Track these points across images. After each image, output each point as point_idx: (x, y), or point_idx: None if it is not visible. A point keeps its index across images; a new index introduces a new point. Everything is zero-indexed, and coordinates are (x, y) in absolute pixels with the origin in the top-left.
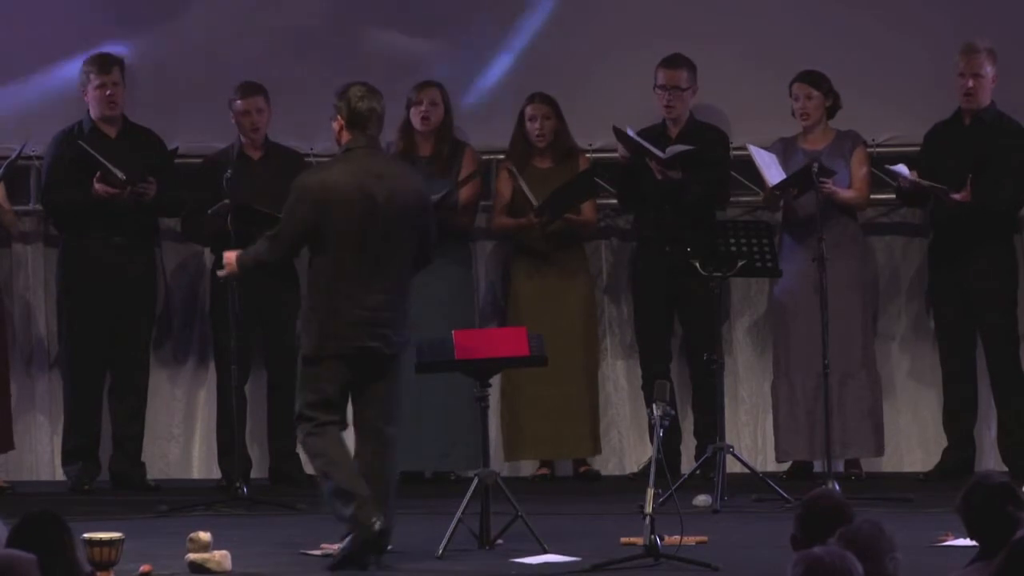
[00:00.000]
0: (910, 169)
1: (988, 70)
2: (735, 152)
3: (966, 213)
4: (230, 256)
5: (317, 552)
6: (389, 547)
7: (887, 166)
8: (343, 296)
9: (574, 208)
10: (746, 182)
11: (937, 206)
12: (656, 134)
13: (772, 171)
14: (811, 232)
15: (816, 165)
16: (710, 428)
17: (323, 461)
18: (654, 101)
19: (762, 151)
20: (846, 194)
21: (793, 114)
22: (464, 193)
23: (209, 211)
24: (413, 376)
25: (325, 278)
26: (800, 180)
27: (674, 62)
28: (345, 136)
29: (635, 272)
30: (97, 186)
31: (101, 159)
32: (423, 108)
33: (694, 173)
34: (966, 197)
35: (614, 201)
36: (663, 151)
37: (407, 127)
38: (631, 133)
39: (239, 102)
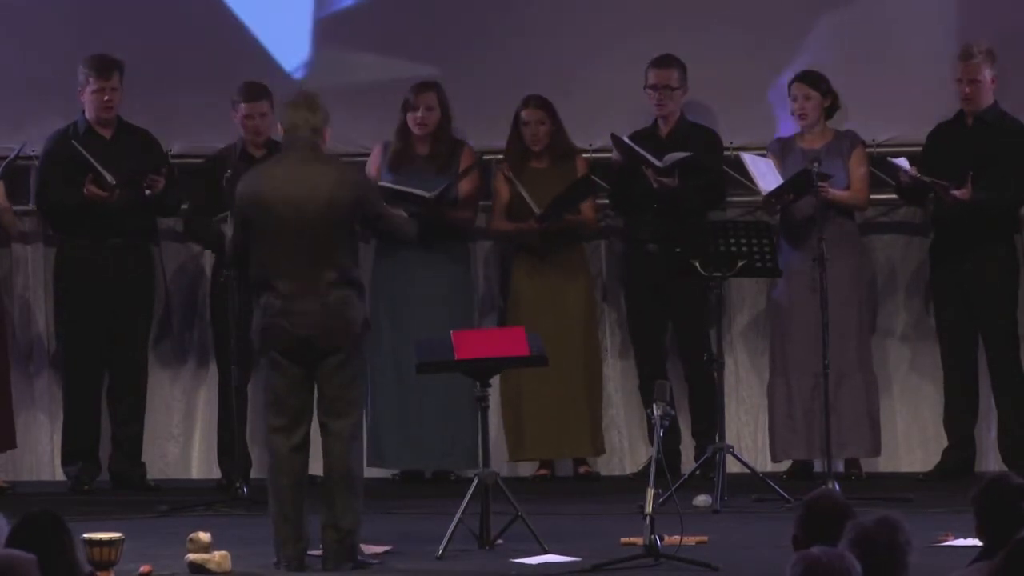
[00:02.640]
0: (910, 165)
1: (986, 74)
2: (733, 152)
3: (967, 213)
4: None
5: (317, 552)
6: (373, 555)
7: (889, 158)
8: (275, 293)
9: (573, 211)
10: (745, 182)
11: (937, 205)
12: (647, 135)
13: (767, 178)
14: (808, 233)
15: (816, 165)
16: (709, 428)
17: (268, 484)
18: (648, 101)
19: (756, 159)
20: (843, 196)
21: (792, 114)
22: (464, 187)
23: (213, 219)
24: (414, 375)
25: (259, 277)
26: (795, 185)
27: (664, 62)
28: None
29: (625, 273)
30: (87, 188)
31: (92, 161)
32: (419, 114)
33: (689, 178)
34: (965, 195)
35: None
36: (657, 156)
37: (404, 129)
38: (629, 142)
39: (242, 105)
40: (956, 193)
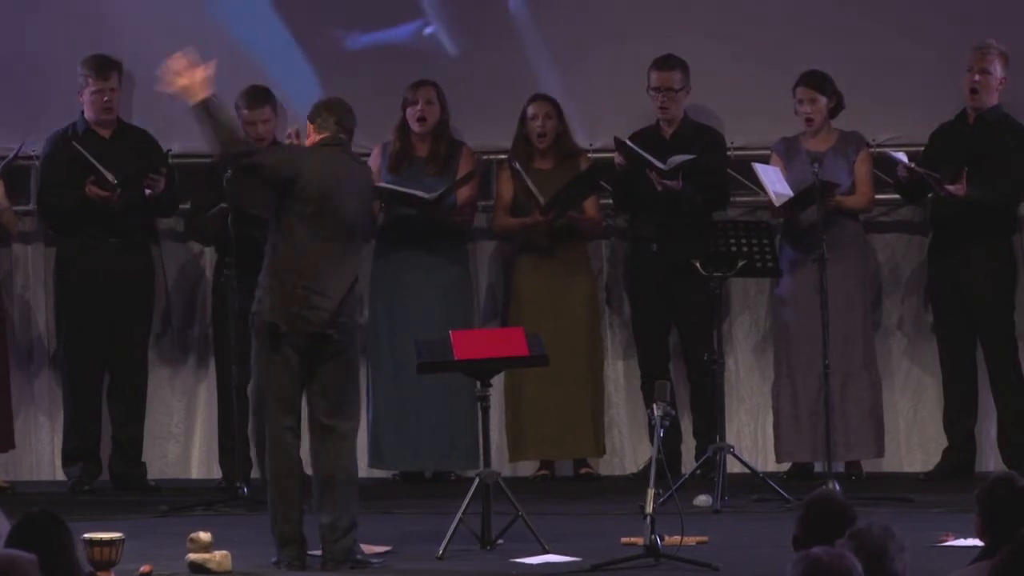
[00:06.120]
0: (909, 160)
1: (997, 69)
2: (736, 152)
3: (965, 212)
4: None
5: (317, 552)
6: (360, 557)
7: (889, 151)
8: (305, 282)
9: (577, 206)
10: (746, 182)
11: (936, 205)
12: (650, 136)
13: (777, 187)
14: (812, 232)
15: (817, 166)
16: (710, 428)
17: (270, 489)
18: (650, 101)
19: (767, 168)
20: (851, 201)
21: (796, 114)
22: (462, 193)
23: (208, 214)
24: (413, 376)
25: (289, 258)
26: (806, 199)
27: (667, 63)
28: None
29: (628, 272)
30: (89, 189)
31: (94, 162)
32: (419, 108)
33: (693, 179)
34: (960, 190)
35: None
36: (661, 158)
37: (403, 127)
38: (632, 145)
39: (245, 111)
40: (950, 188)
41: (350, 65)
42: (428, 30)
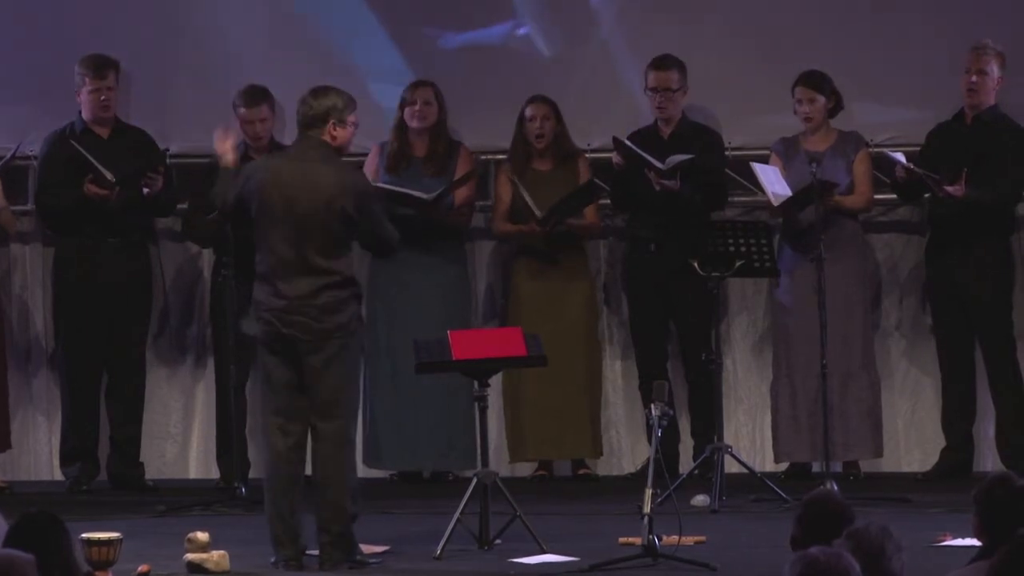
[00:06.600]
0: (907, 160)
1: (994, 69)
2: (734, 152)
3: (963, 212)
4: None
5: (316, 552)
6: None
7: (887, 151)
8: (266, 284)
9: (577, 214)
10: (744, 182)
11: (934, 204)
12: (648, 136)
13: (776, 187)
14: (811, 232)
15: (815, 166)
16: (708, 428)
17: (265, 482)
18: (648, 101)
19: (766, 168)
20: (850, 201)
21: (795, 113)
22: (460, 194)
23: (208, 217)
24: (411, 376)
25: (260, 271)
26: (805, 199)
27: (664, 63)
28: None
29: (626, 272)
30: (87, 188)
31: (92, 160)
32: (417, 107)
33: (692, 179)
34: (959, 191)
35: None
36: (659, 158)
37: (401, 127)
38: (630, 144)
39: (242, 110)
40: (949, 189)
41: (347, 64)
42: (522, 31)
